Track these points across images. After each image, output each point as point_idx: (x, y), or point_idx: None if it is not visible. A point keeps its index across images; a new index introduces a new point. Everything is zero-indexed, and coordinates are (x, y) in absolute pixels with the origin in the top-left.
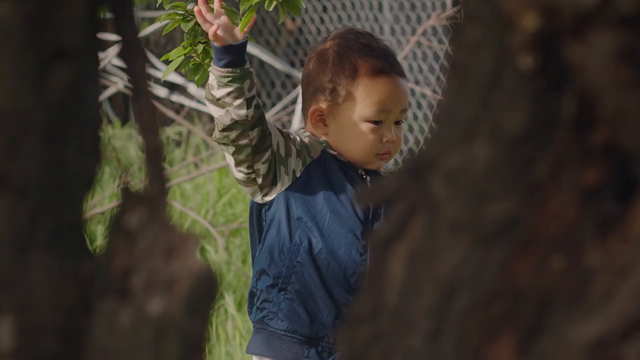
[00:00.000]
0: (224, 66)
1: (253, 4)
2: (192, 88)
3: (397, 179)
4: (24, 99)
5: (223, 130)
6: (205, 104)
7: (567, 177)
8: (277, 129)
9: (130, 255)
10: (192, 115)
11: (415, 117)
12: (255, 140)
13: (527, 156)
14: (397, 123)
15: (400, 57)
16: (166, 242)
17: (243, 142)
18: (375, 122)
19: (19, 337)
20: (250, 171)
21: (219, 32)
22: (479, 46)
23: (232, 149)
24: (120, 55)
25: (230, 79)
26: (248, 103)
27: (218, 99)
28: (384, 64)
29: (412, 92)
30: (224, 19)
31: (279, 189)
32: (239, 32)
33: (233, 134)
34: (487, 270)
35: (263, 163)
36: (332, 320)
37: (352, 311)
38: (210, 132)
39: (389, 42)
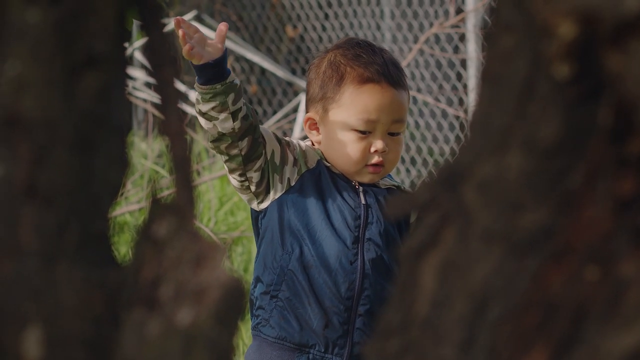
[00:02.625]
0: (204, 83)
1: None
2: (193, 95)
3: (430, 188)
4: (53, 107)
5: (212, 141)
6: None
7: (602, 187)
8: (275, 136)
9: (158, 265)
10: (194, 123)
11: (417, 125)
12: (245, 150)
13: (561, 166)
14: (394, 135)
15: (402, 66)
16: (194, 252)
17: (233, 152)
18: (362, 132)
19: (47, 348)
20: (243, 179)
21: (194, 51)
22: (512, 54)
23: (224, 157)
24: (149, 63)
25: (211, 95)
26: (234, 116)
27: (204, 113)
28: (373, 73)
29: (414, 100)
30: (197, 36)
31: (272, 196)
32: (217, 48)
33: (222, 145)
34: (520, 280)
35: (255, 171)
36: (322, 329)
37: (382, 321)
38: None
39: (392, 51)
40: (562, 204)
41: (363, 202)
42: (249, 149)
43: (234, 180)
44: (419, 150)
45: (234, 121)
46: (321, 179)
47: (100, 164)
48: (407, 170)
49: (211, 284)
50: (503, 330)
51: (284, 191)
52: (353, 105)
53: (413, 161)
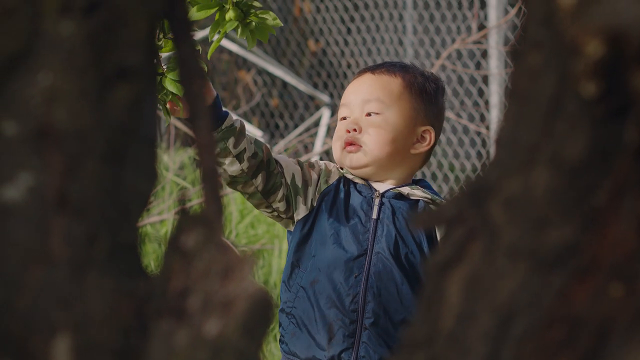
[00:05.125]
0: None
1: (221, 31)
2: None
3: (456, 203)
4: (85, 118)
5: (228, 184)
6: None
7: (627, 205)
8: (297, 161)
9: (186, 276)
10: None
11: (439, 141)
12: (261, 185)
13: (587, 183)
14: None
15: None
16: (222, 264)
17: (250, 190)
18: (344, 118)
19: (76, 356)
20: (270, 210)
21: (177, 108)
22: (540, 72)
23: (245, 196)
24: (179, 76)
25: None
26: (239, 158)
27: None
28: (364, 69)
29: None
30: None
31: (296, 218)
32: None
33: (238, 186)
34: (545, 296)
35: (279, 201)
36: (327, 343)
37: (407, 335)
38: None
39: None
40: (588, 221)
41: (374, 216)
42: (265, 183)
43: (264, 212)
44: (439, 165)
45: (240, 163)
46: (336, 194)
47: (130, 175)
48: None
49: (239, 295)
50: (528, 345)
51: (307, 213)
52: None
53: (434, 176)
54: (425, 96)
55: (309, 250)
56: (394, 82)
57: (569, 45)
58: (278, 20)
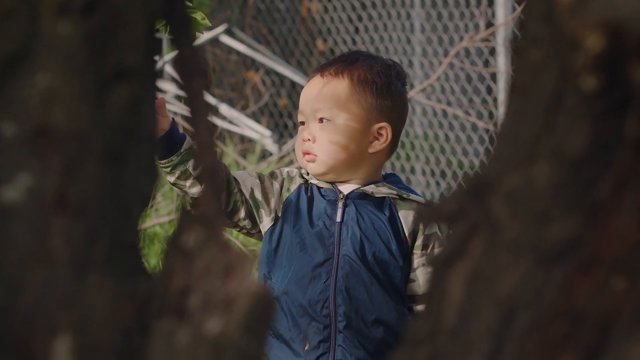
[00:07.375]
0: (161, 158)
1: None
2: (223, 108)
3: (457, 199)
4: (84, 119)
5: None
6: (237, 125)
7: (629, 198)
8: (257, 174)
9: (187, 275)
10: (224, 136)
11: (447, 139)
12: (223, 205)
13: (588, 177)
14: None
15: (432, 79)
16: (223, 262)
17: None
18: (302, 123)
19: (77, 357)
20: (238, 229)
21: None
22: (541, 67)
23: None
24: (179, 74)
25: (170, 167)
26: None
27: (173, 184)
28: (315, 70)
29: (444, 113)
30: None
31: (263, 230)
32: (162, 122)
33: None
34: (547, 291)
35: (244, 219)
36: (303, 349)
37: (410, 331)
38: (241, 153)
39: (422, 65)
40: (590, 215)
41: (338, 219)
42: (226, 204)
43: (239, 232)
44: (449, 163)
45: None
46: (298, 202)
47: (130, 176)
48: (437, 183)
49: (240, 293)
50: (530, 340)
51: (272, 223)
52: None
53: (443, 174)
54: (376, 92)
55: (279, 262)
56: (341, 85)
57: (568, 39)
58: (207, 21)
